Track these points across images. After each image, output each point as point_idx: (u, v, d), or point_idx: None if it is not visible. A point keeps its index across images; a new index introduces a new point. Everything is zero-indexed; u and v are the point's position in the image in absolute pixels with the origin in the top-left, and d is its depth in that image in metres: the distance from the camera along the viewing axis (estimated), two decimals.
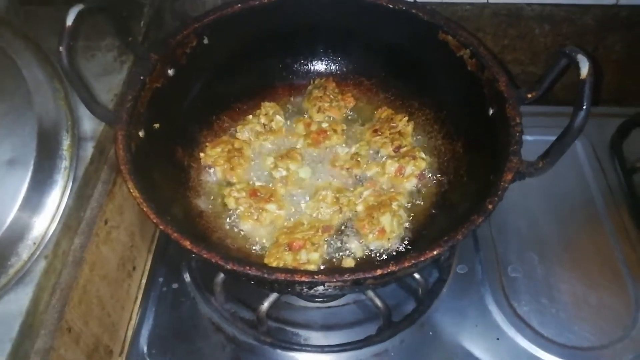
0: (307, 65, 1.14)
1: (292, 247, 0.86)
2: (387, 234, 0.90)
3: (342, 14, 1.02)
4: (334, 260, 0.90)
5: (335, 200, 0.94)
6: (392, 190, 0.98)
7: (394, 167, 0.98)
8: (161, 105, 0.94)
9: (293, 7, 1.01)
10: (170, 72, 0.95)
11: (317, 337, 0.93)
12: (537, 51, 1.38)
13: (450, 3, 1.27)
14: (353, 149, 1.03)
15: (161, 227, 0.70)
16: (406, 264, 0.67)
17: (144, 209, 0.72)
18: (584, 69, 0.70)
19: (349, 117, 1.11)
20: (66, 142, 0.95)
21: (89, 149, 1.03)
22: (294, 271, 0.66)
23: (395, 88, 1.11)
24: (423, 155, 1.00)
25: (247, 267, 0.66)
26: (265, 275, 0.66)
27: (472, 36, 0.94)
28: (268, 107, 1.07)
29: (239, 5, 0.99)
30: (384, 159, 1.01)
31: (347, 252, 0.91)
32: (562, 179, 1.14)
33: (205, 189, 1.00)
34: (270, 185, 0.99)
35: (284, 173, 0.99)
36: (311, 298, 0.96)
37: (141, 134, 0.88)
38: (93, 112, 0.83)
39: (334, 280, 0.65)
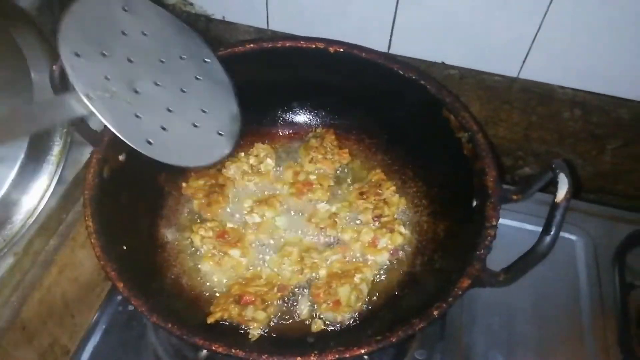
0: (311, 113, 1.12)
1: (241, 301, 0.85)
2: (342, 307, 0.86)
3: (352, 72, 0.99)
4: (282, 322, 0.88)
5: (299, 259, 0.92)
6: (362, 260, 0.95)
7: (369, 237, 0.95)
8: None
9: (303, 58, 0.99)
10: None
11: None
12: (565, 134, 1.31)
13: (480, 71, 1.23)
14: (334, 208, 1.00)
15: (102, 262, 0.71)
16: (329, 357, 0.65)
17: (92, 240, 0.73)
18: (561, 191, 0.65)
19: (341, 174, 1.08)
20: (57, 148, 0.98)
21: (85, 154, 1.06)
22: (202, 337, 0.66)
23: (395, 153, 1.07)
24: (402, 229, 0.96)
25: (169, 325, 0.66)
26: (185, 337, 0.65)
27: (474, 121, 0.90)
28: (260, 148, 1.06)
29: (252, 45, 0.99)
30: (361, 225, 0.98)
31: (297, 316, 0.89)
32: (553, 276, 1.06)
33: (178, 219, 1.00)
34: (242, 230, 0.98)
35: (258, 220, 0.97)
36: None
37: (121, 157, 0.89)
38: (79, 131, 0.85)
39: (237, 355, 0.63)
